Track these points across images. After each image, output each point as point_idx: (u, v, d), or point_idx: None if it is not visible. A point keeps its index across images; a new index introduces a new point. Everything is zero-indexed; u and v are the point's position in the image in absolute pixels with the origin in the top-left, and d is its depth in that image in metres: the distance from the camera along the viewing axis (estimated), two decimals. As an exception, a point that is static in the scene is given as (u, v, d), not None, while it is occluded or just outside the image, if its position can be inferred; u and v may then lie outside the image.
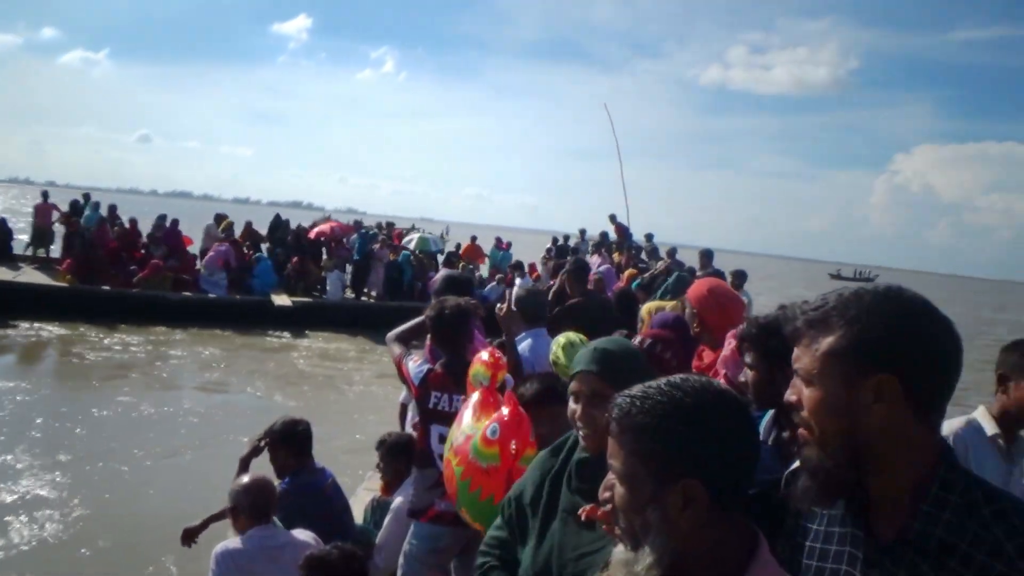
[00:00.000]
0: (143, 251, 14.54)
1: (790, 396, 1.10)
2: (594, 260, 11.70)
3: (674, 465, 1.01)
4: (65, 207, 15.82)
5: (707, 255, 10.23)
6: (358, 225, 18.08)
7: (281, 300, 13.71)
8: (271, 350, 12.33)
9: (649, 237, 15.23)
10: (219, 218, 16.99)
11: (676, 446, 1.01)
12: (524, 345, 3.93)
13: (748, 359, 2.17)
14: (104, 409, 8.28)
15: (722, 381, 1.73)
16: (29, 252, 16.39)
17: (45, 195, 16.45)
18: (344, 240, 16.74)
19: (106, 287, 12.96)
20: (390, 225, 18.05)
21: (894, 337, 1.01)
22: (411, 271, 15.71)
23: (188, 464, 6.82)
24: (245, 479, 2.89)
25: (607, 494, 1.13)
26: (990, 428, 2.26)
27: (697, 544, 1.02)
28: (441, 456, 2.81)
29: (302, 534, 2.84)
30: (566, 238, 17.42)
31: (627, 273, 9.86)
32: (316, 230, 17.05)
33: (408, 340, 3.24)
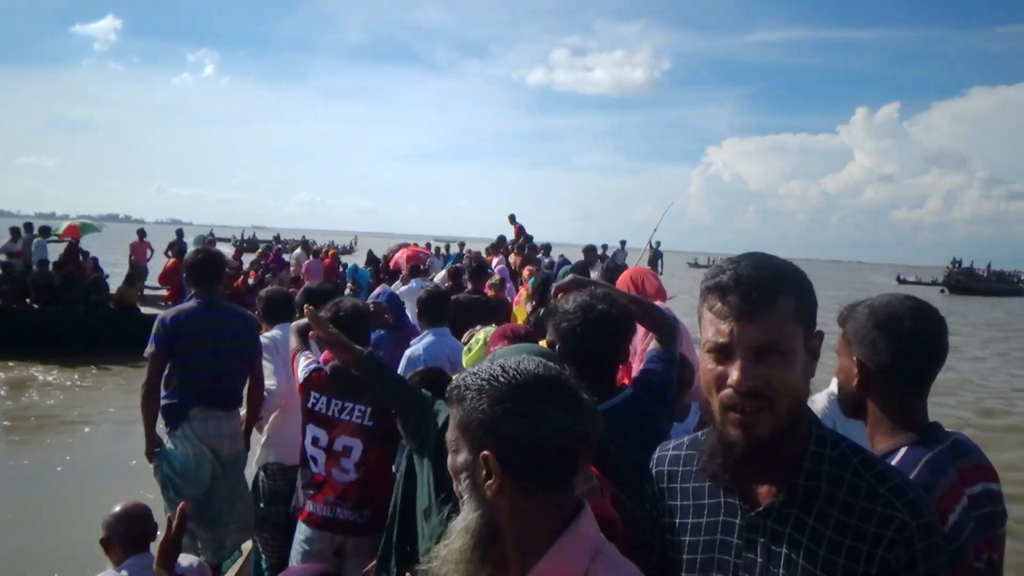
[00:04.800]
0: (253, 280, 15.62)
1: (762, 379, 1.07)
2: (492, 260, 12.08)
3: (479, 437, 1.05)
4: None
5: (590, 250, 11.52)
6: (431, 247, 19.48)
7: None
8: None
9: (623, 244, 16.33)
10: (306, 245, 18.17)
11: (481, 419, 1.06)
12: (421, 344, 4.00)
13: None
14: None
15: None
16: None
17: (141, 233, 17.06)
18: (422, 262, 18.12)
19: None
20: (462, 245, 19.53)
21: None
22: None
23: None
24: (117, 508, 2.68)
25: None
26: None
27: (503, 514, 1.06)
28: (314, 459, 2.87)
29: (185, 559, 2.56)
30: (604, 247, 18.72)
31: (526, 270, 10.11)
32: (394, 259, 18.33)
33: (307, 333, 3.08)
